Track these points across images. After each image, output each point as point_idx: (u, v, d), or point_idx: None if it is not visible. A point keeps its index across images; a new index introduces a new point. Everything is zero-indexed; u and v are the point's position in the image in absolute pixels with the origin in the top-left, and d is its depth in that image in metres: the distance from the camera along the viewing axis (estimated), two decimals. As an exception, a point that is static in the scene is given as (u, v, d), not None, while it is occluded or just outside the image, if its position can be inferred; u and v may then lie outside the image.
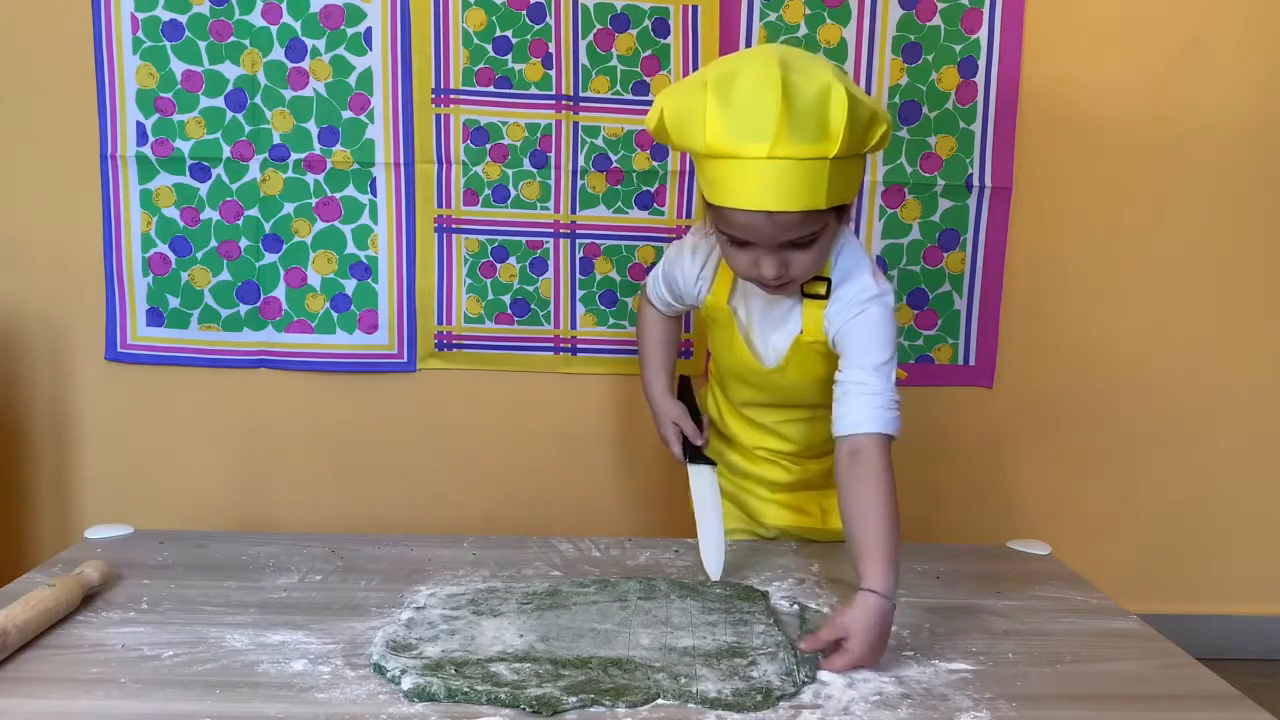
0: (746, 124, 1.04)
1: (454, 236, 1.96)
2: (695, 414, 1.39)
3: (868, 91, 1.92)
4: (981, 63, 1.93)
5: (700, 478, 1.32)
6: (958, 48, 1.92)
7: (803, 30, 1.90)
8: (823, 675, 0.97)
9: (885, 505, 1.09)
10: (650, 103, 1.88)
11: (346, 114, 1.91)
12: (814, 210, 1.07)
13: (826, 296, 1.20)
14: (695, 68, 1.91)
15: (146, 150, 1.90)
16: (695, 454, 1.35)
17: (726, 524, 1.33)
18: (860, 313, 1.17)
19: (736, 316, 1.28)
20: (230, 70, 1.89)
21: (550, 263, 1.98)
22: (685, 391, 1.42)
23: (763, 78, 1.04)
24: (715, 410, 1.42)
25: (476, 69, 1.91)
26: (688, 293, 1.33)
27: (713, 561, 1.24)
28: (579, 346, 2.01)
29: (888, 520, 1.08)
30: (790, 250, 1.12)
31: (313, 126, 1.91)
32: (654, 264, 1.96)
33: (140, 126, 1.90)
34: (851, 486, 1.11)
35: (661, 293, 1.39)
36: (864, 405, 1.14)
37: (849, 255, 1.21)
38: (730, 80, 1.06)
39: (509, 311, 1.99)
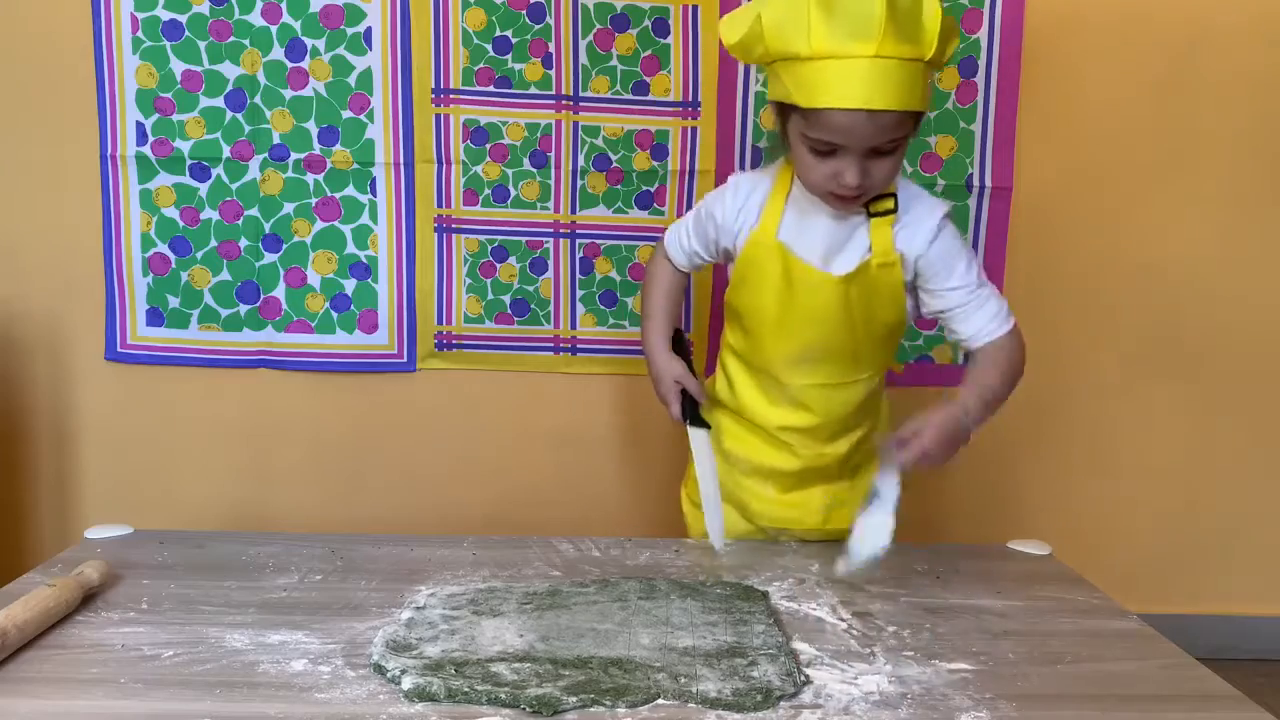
0: (852, 23, 1.08)
1: (454, 236, 1.96)
2: (691, 372, 1.38)
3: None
4: (981, 63, 1.93)
5: (699, 441, 1.34)
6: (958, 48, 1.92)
7: (803, 30, 1.90)
8: (820, 675, 0.96)
9: (1009, 369, 1.25)
10: (650, 104, 1.92)
11: (346, 114, 1.91)
12: (905, 113, 1.13)
13: (895, 211, 1.23)
14: (695, 68, 1.91)
15: (146, 150, 1.90)
16: (694, 415, 1.34)
17: (726, 526, 1.35)
18: (940, 233, 1.23)
19: (789, 248, 1.26)
20: (230, 70, 1.89)
21: (550, 263, 1.98)
22: (680, 346, 1.39)
23: None
24: (729, 391, 1.38)
25: (476, 69, 1.91)
26: (726, 232, 1.31)
27: (715, 534, 1.31)
28: (579, 346, 2.01)
29: (1004, 379, 1.24)
30: (873, 158, 1.16)
31: (312, 126, 1.91)
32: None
33: (140, 126, 1.90)
34: (987, 351, 1.26)
35: (686, 243, 1.37)
36: (987, 314, 1.25)
37: (903, 180, 1.27)
38: None
39: (509, 311, 1.99)
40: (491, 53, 1.90)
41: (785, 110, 1.19)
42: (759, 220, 1.28)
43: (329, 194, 1.93)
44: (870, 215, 1.23)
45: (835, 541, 1.37)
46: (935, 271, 1.24)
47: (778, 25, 1.13)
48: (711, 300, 1.97)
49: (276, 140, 1.91)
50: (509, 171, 1.94)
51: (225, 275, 1.95)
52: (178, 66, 1.88)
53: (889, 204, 1.23)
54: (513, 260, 1.97)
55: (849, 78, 1.09)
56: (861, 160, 1.15)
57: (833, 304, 1.25)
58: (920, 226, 1.23)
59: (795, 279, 1.26)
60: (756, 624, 1.06)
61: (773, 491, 1.39)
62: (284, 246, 1.95)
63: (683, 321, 1.56)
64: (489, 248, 1.97)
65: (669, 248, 1.41)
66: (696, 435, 1.34)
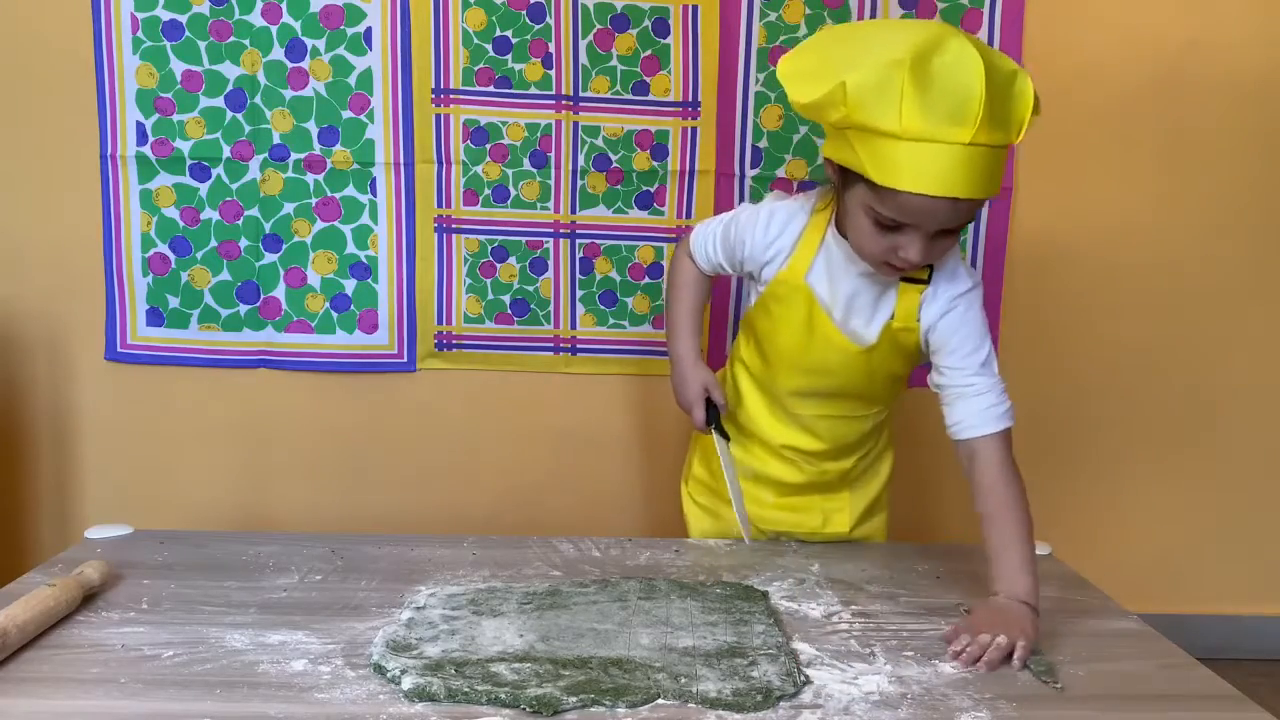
0: (949, 107, 1.00)
1: (454, 236, 1.96)
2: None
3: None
4: (981, 63, 1.93)
5: (723, 449, 1.35)
6: (958, 48, 1.92)
7: (803, 30, 1.90)
8: (820, 675, 0.96)
9: (1010, 511, 1.12)
10: (650, 104, 1.91)
11: (346, 114, 1.91)
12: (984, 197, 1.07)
13: (928, 281, 1.19)
14: (695, 68, 1.91)
15: (146, 150, 1.90)
16: (719, 425, 1.35)
17: (725, 527, 1.39)
18: (954, 307, 1.18)
19: (816, 294, 1.22)
20: (230, 70, 1.89)
21: (550, 263, 1.98)
22: (712, 408, 1.37)
23: (965, 58, 1.01)
24: (735, 400, 1.37)
25: (476, 69, 1.91)
26: (753, 259, 1.26)
27: (744, 525, 1.34)
28: (579, 346, 2.01)
29: (1015, 526, 1.12)
30: (939, 237, 1.10)
31: (313, 126, 1.91)
32: (656, 262, 1.97)
33: (140, 126, 1.90)
34: (979, 494, 1.15)
35: (712, 253, 1.32)
36: (976, 408, 1.16)
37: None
38: (928, 58, 1.01)
39: (509, 311, 1.99)
40: (491, 53, 1.90)
41: (850, 174, 1.11)
42: (789, 259, 1.23)
43: (329, 194, 1.93)
44: (903, 279, 1.19)
45: (834, 544, 1.38)
46: (939, 346, 1.20)
47: (864, 95, 1.02)
48: (731, 300, 1.97)
49: (276, 140, 1.91)
50: (509, 171, 1.94)
51: (225, 275, 1.95)
52: (178, 66, 1.88)
53: (924, 273, 1.18)
54: (513, 260, 1.97)
55: (939, 163, 1.01)
56: (929, 239, 1.09)
57: (852, 364, 1.24)
58: (940, 298, 1.19)
59: (816, 328, 1.23)
60: (756, 624, 1.06)
61: (771, 497, 1.39)
62: (284, 246, 1.95)
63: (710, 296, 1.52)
64: (489, 248, 1.97)
65: (695, 250, 1.36)
66: (721, 444, 1.35)
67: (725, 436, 1.35)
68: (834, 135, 1.12)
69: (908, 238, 1.09)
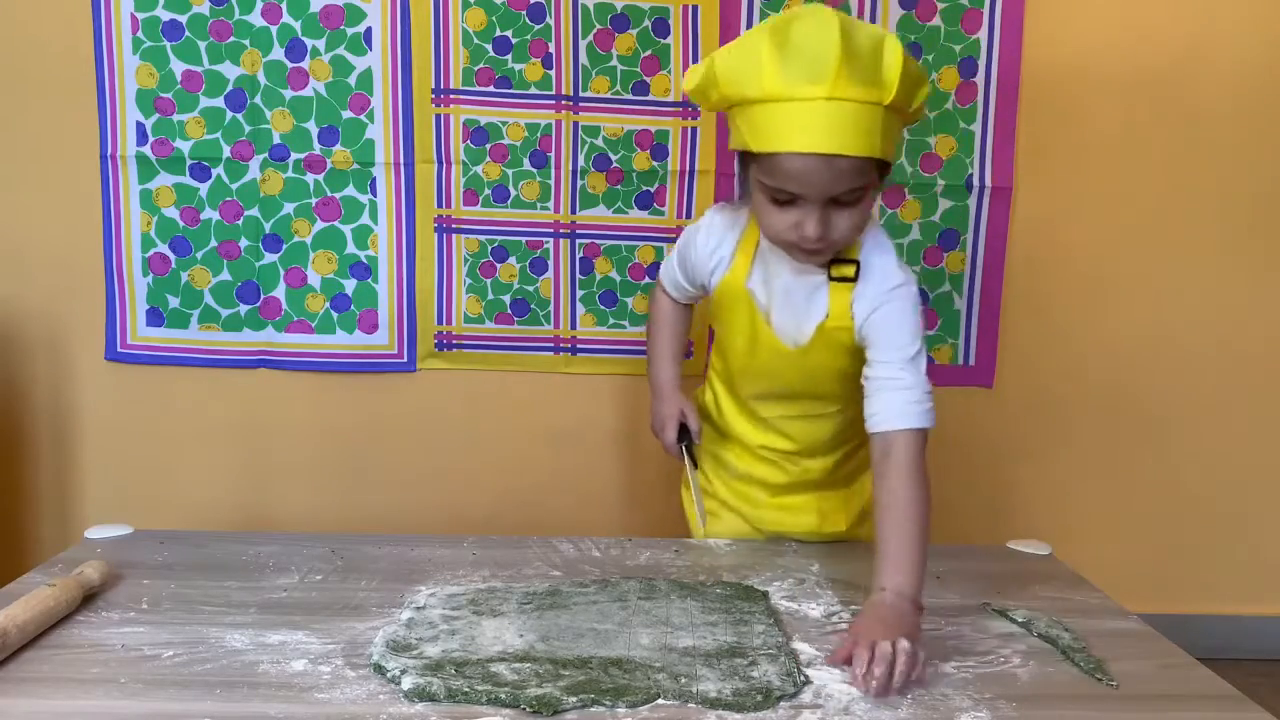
0: (806, 65, 1.04)
1: (454, 236, 1.96)
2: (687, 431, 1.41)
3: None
4: (981, 63, 1.93)
5: (691, 474, 1.40)
6: (958, 48, 1.92)
7: (803, 30, 1.90)
8: (820, 675, 0.96)
9: (915, 511, 1.10)
10: (650, 104, 1.92)
11: (346, 114, 1.91)
12: (865, 161, 1.07)
13: (855, 279, 1.19)
14: (695, 68, 1.91)
15: (146, 150, 1.90)
16: (690, 451, 1.39)
17: (725, 528, 1.39)
18: (886, 302, 1.17)
19: (755, 298, 1.24)
20: (230, 70, 1.89)
21: (550, 263, 1.98)
22: (685, 436, 1.40)
23: (821, 21, 1.06)
24: (714, 407, 1.40)
25: (476, 69, 1.91)
26: (701, 271, 1.29)
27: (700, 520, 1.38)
28: (579, 346, 2.01)
29: (917, 528, 1.09)
30: (834, 209, 1.11)
31: (313, 126, 1.91)
32: (655, 262, 1.97)
33: (140, 126, 1.90)
34: (881, 486, 1.12)
35: (675, 276, 1.36)
36: (896, 401, 1.14)
37: (874, 239, 1.20)
38: (786, 26, 1.07)
39: (509, 311, 1.99)
40: (491, 53, 1.90)
41: (745, 158, 1.15)
42: (730, 266, 1.26)
43: (329, 194, 1.93)
44: (831, 278, 1.19)
45: (834, 543, 1.37)
46: (871, 340, 1.18)
47: (731, 69, 1.10)
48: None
49: (276, 140, 1.91)
50: (509, 171, 1.94)
51: (225, 275, 1.95)
52: (178, 66, 1.88)
53: (849, 270, 1.18)
54: (513, 260, 1.97)
55: (802, 120, 1.05)
56: (821, 210, 1.10)
57: (792, 365, 1.25)
58: (871, 294, 1.18)
59: (758, 333, 1.25)
60: (756, 624, 1.06)
61: (764, 496, 1.39)
62: (284, 246, 1.95)
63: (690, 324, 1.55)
64: (489, 248, 1.97)
65: (663, 279, 1.40)
66: (689, 468, 1.39)
67: (694, 463, 1.39)
68: (730, 125, 1.15)
69: (802, 211, 1.11)
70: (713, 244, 1.27)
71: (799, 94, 1.04)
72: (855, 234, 1.15)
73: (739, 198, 1.36)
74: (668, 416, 1.40)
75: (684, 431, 1.39)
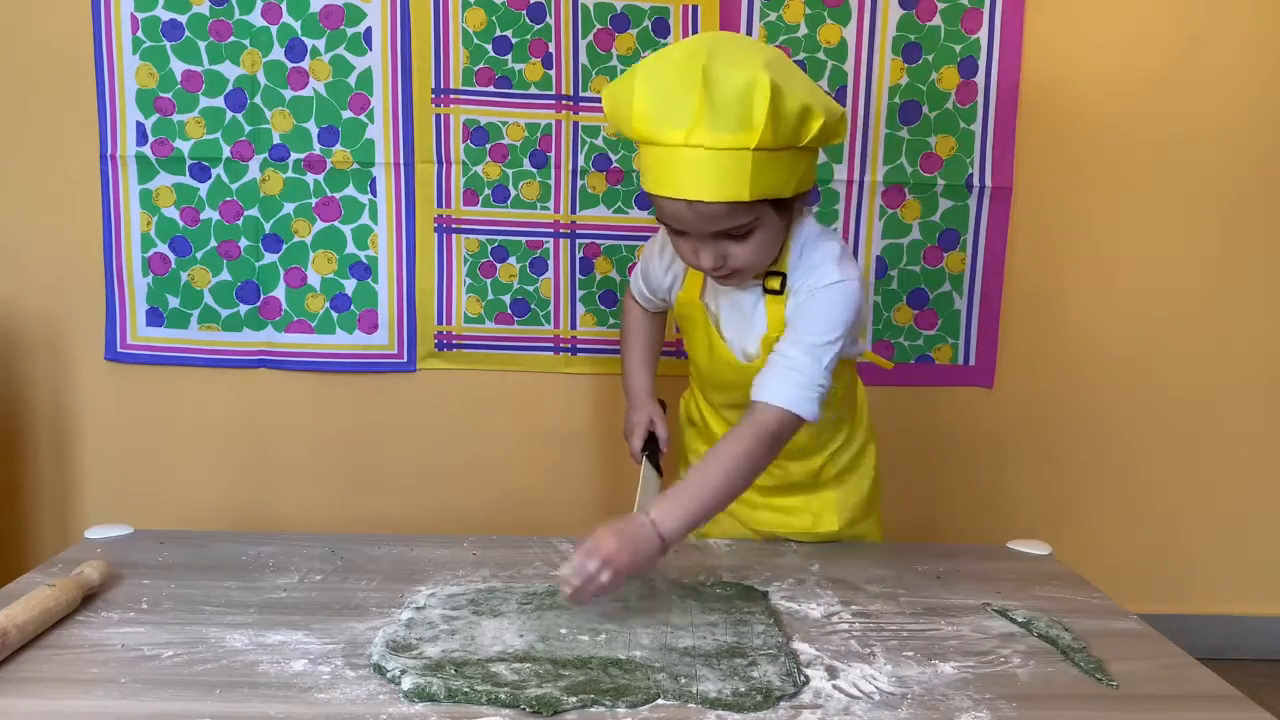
0: (666, 110, 1.04)
1: (454, 236, 1.96)
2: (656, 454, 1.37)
3: (868, 92, 1.92)
4: (981, 63, 1.93)
5: (648, 477, 1.30)
6: (958, 48, 1.92)
7: (803, 30, 1.91)
8: (820, 675, 0.96)
9: (726, 468, 1.11)
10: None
11: (346, 114, 1.91)
12: (738, 203, 1.06)
13: (782, 291, 1.19)
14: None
15: (146, 150, 1.90)
16: (653, 456, 1.35)
17: (718, 529, 1.39)
18: (811, 293, 1.17)
19: (709, 311, 1.26)
20: (230, 70, 1.89)
21: (550, 263, 1.98)
22: (653, 444, 1.38)
23: (685, 66, 1.04)
24: (698, 412, 1.40)
25: (476, 69, 1.91)
26: (660, 285, 1.32)
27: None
28: (579, 346, 2.01)
29: (715, 484, 1.10)
30: (727, 241, 1.11)
31: (313, 126, 1.91)
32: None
33: (140, 126, 1.90)
34: (724, 440, 1.15)
35: (641, 287, 1.38)
36: (781, 379, 1.14)
37: (814, 248, 1.19)
38: (657, 67, 1.07)
39: (509, 311, 1.99)
40: (491, 53, 1.90)
41: None
42: (684, 281, 1.27)
43: (329, 194, 1.93)
44: (765, 290, 1.21)
45: (834, 544, 1.37)
46: (790, 322, 1.19)
47: (613, 104, 1.12)
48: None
49: (276, 140, 1.91)
50: (509, 171, 1.94)
51: (225, 275, 1.95)
52: (178, 66, 1.88)
53: (776, 283, 1.19)
54: (513, 260, 1.97)
55: (665, 165, 1.05)
56: (712, 243, 1.10)
57: (743, 376, 1.24)
58: (800, 291, 1.18)
59: (715, 347, 1.27)
60: (756, 624, 1.06)
61: (756, 496, 1.38)
62: (284, 246, 1.95)
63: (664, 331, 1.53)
64: (489, 248, 1.97)
65: (633, 289, 1.41)
66: (647, 472, 1.31)
67: (658, 470, 1.33)
68: None
69: (694, 243, 1.12)
70: (667, 259, 1.28)
71: (661, 139, 1.05)
72: (759, 263, 1.15)
73: None
74: (636, 424, 1.38)
75: (652, 439, 1.37)
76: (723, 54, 1.05)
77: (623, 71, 1.89)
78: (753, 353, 1.24)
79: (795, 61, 1.90)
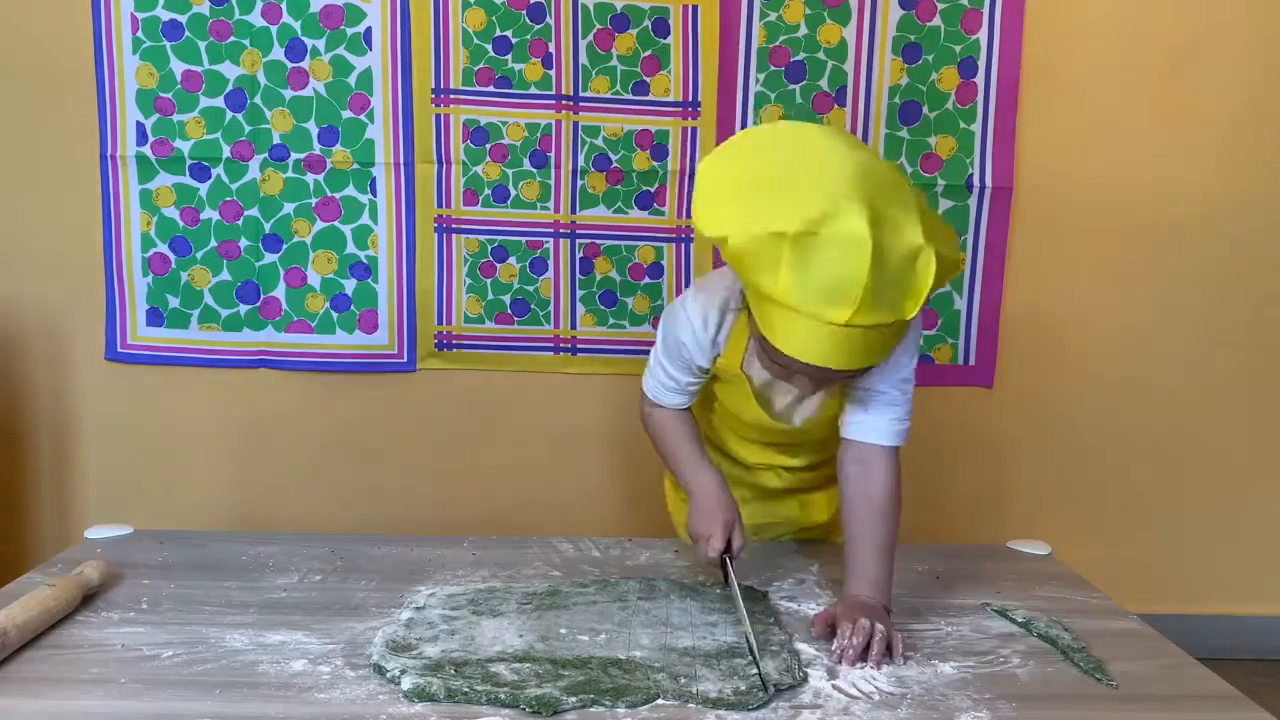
0: (827, 290, 0.94)
1: (454, 236, 1.96)
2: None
3: (868, 92, 1.92)
4: (981, 63, 1.93)
5: (734, 590, 1.14)
6: (958, 48, 1.92)
7: (803, 30, 1.90)
8: (820, 674, 0.96)
9: (887, 537, 1.11)
10: (650, 104, 1.91)
11: (346, 114, 1.91)
12: None
13: None
14: (695, 68, 1.91)
15: (146, 150, 1.90)
16: (727, 568, 1.17)
17: None
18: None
19: (751, 382, 1.19)
20: (230, 70, 1.89)
21: (550, 263, 1.98)
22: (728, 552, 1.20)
23: (852, 239, 0.92)
24: (710, 427, 1.35)
25: (476, 69, 1.91)
26: (700, 355, 1.20)
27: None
28: (579, 346, 2.01)
29: (886, 554, 1.10)
30: (833, 382, 1.07)
31: (313, 126, 1.91)
32: (656, 262, 1.97)
33: (140, 126, 1.90)
34: (859, 508, 1.13)
35: (669, 381, 1.24)
36: (882, 417, 1.14)
37: None
38: (813, 235, 0.93)
39: (509, 311, 1.99)
40: (491, 53, 1.90)
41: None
42: (724, 350, 1.19)
43: (329, 194, 1.93)
44: None
45: (833, 544, 1.37)
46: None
47: (745, 257, 0.97)
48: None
49: (276, 140, 1.91)
50: (509, 171, 1.94)
51: (225, 275, 1.95)
52: (178, 66, 1.88)
53: None
54: (513, 260, 1.97)
55: (814, 336, 0.97)
56: (821, 384, 1.06)
57: (787, 436, 1.24)
58: None
59: (754, 412, 1.22)
60: (757, 623, 1.06)
61: (749, 495, 1.37)
62: (284, 246, 1.95)
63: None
64: (489, 248, 1.97)
65: (655, 397, 1.27)
66: (732, 584, 1.15)
67: (726, 578, 1.16)
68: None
69: (800, 380, 1.06)
70: (711, 332, 1.18)
71: (814, 314, 0.95)
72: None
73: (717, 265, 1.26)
74: (716, 526, 1.18)
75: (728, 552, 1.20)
76: (882, 216, 0.94)
77: (623, 71, 1.91)
78: (797, 423, 1.21)
79: (795, 62, 1.92)
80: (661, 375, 1.24)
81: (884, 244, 0.93)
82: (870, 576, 1.09)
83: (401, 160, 1.93)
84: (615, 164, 1.94)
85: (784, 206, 0.95)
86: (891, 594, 1.09)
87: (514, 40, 1.90)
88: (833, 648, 0.99)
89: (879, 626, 1.00)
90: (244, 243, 1.94)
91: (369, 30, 1.89)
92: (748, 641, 1.01)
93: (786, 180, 0.98)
